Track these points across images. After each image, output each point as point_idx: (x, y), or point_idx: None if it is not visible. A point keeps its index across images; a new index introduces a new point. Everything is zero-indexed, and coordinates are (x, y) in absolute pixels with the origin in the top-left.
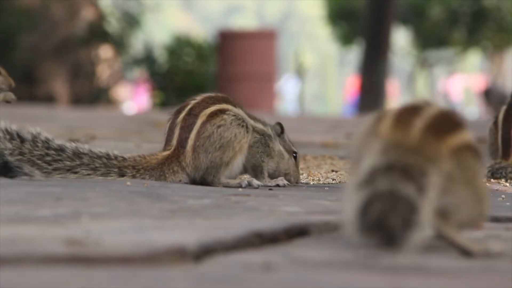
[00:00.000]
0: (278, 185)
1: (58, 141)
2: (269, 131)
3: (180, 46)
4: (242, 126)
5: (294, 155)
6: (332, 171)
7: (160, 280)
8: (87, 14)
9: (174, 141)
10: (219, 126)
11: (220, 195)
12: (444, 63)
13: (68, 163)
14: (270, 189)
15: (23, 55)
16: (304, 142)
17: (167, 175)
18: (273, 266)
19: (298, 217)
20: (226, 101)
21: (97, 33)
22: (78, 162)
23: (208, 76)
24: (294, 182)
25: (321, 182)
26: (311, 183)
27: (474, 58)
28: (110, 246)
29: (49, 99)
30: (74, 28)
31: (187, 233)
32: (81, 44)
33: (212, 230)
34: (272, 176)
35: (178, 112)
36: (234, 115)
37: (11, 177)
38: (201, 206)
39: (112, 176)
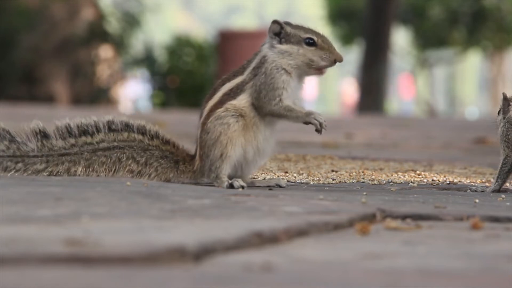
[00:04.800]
0: (279, 186)
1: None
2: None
3: (180, 46)
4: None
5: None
6: (332, 171)
7: (160, 280)
8: (87, 14)
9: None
10: None
11: (220, 195)
12: (444, 63)
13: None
14: (270, 189)
15: (23, 55)
16: (304, 142)
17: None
18: (273, 266)
19: (298, 217)
20: None
21: (97, 33)
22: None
23: (208, 76)
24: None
25: (321, 182)
26: (311, 183)
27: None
28: (110, 246)
29: (49, 99)
30: (74, 28)
31: (187, 233)
32: (81, 44)
33: (212, 230)
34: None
35: None
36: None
37: None
38: (201, 206)
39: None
